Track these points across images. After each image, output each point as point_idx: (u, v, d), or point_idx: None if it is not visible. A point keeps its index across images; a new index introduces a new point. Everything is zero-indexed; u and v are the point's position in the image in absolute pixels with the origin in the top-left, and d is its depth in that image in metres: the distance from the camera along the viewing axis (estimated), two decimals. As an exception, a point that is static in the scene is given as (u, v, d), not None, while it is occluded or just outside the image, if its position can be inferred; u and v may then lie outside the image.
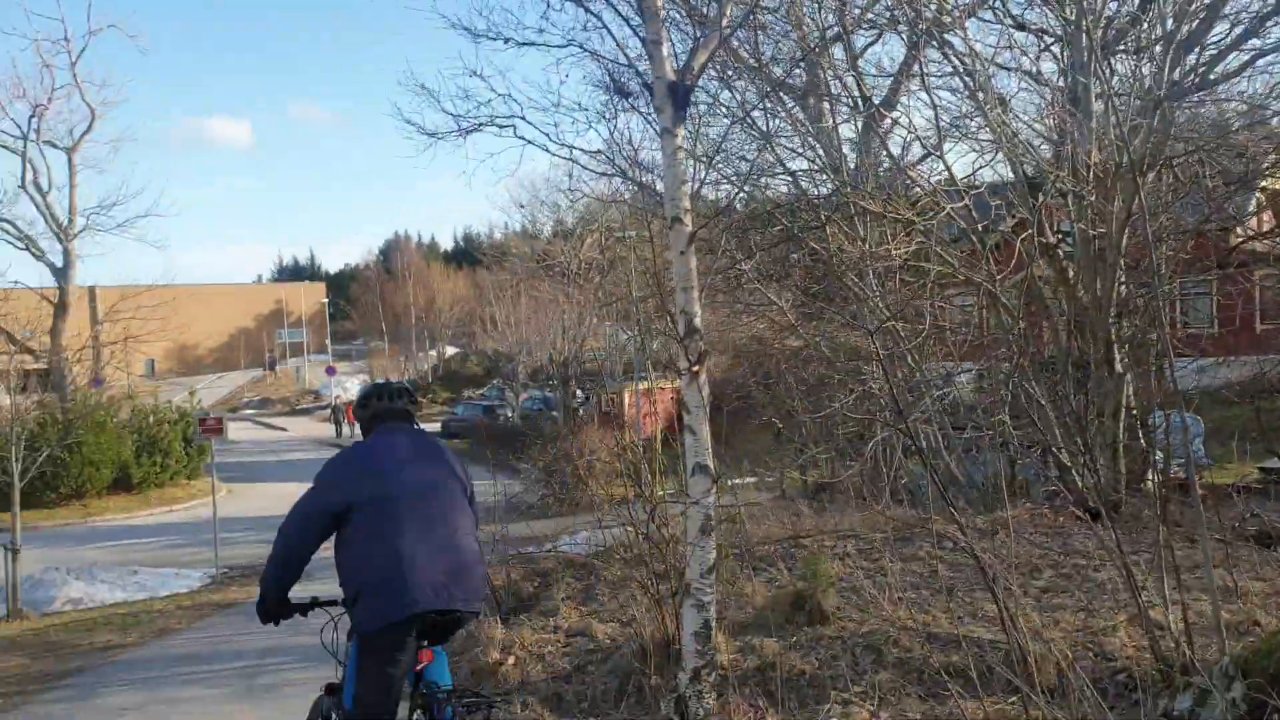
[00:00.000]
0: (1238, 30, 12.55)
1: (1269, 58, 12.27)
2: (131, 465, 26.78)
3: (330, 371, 56.25)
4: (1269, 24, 11.89)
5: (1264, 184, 14.92)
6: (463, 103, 8.41)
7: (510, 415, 40.97)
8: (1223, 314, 17.17)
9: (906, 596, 7.88)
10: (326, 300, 79.07)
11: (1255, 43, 12.68)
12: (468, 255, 72.29)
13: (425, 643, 4.10)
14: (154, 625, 12.36)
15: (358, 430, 4.80)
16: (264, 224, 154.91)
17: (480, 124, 7.73)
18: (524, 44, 6.98)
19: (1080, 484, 9.30)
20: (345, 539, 4.10)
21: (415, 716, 4.03)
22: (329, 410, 48.36)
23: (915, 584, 8.43)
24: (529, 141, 7.06)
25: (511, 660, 8.39)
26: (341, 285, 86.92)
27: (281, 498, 25.91)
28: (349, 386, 58.36)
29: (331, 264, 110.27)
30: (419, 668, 4.10)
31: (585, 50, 7.24)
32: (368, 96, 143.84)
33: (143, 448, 27.40)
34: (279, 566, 4.26)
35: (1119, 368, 10.77)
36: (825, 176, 13.08)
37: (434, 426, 44.56)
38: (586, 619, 9.17)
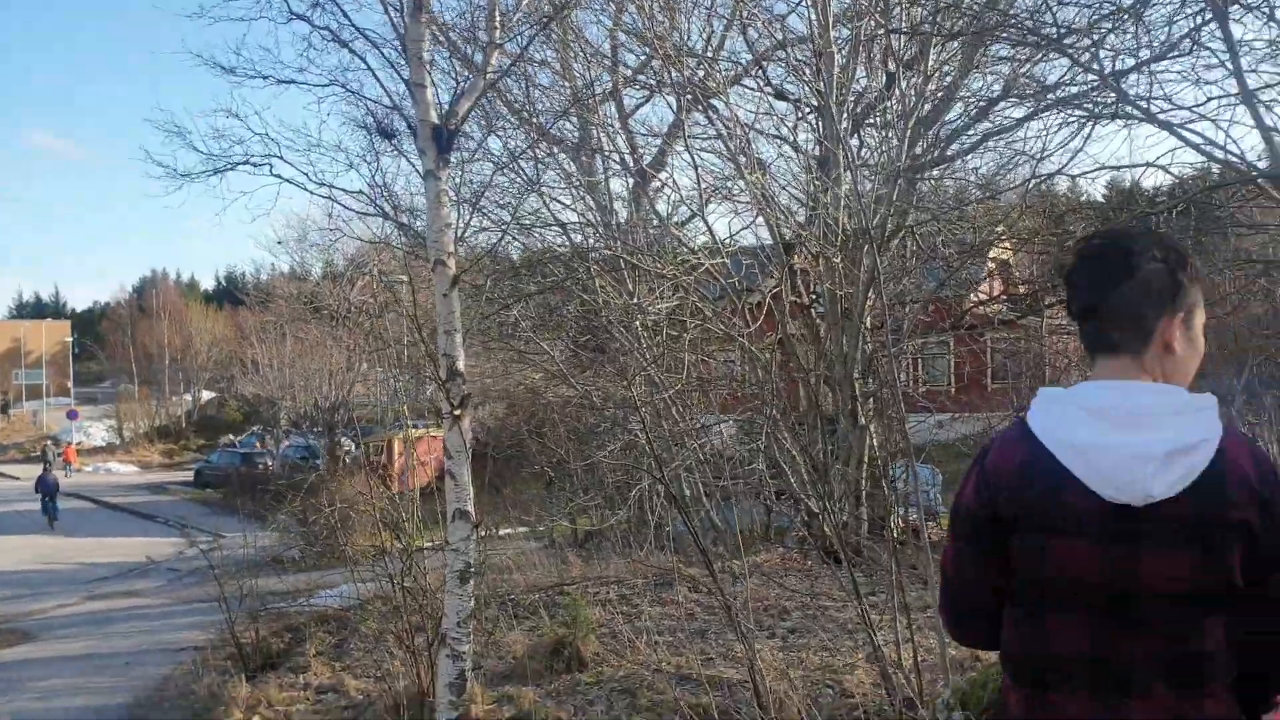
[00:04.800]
0: (972, 112, 13.73)
1: (997, 138, 13.46)
2: None
3: (72, 415, 52.20)
4: (997, 108, 13.06)
5: (993, 254, 16.27)
6: (216, 142, 8.12)
7: (270, 464, 39.13)
8: (958, 372, 18.55)
9: (663, 640, 8.03)
10: (71, 339, 73.62)
11: (987, 125, 13.92)
12: (230, 295, 69.05)
13: None
14: None
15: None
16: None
17: (235, 163, 7.48)
18: (284, 82, 6.84)
19: (825, 530, 9.75)
20: None
21: None
22: (41, 454, 45.14)
23: (672, 628, 8.60)
24: (285, 180, 6.90)
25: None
26: (89, 324, 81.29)
27: (7, 551, 23.57)
28: (92, 432, 54.36)
29: (79, 302, 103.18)
30: None
31: (349, 91, 7.17)
32: (119, 130, 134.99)
33: None
34: None
35: (863, 420, 11.42)
36: (595, 230, 13.36)
37: (187, 475, 42.08)
38: (339, 674, 8.87)
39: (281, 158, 6.91)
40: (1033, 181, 11.74)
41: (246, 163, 7.41)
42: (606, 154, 13.45)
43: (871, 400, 12.01)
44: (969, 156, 14.08)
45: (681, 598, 9.33)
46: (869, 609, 6.53)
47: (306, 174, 7.20)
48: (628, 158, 13.96)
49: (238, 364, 47.28)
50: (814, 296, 13.00)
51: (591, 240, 13.26)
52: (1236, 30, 11.09)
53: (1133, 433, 1.80)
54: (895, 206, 11.38)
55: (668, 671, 7.09)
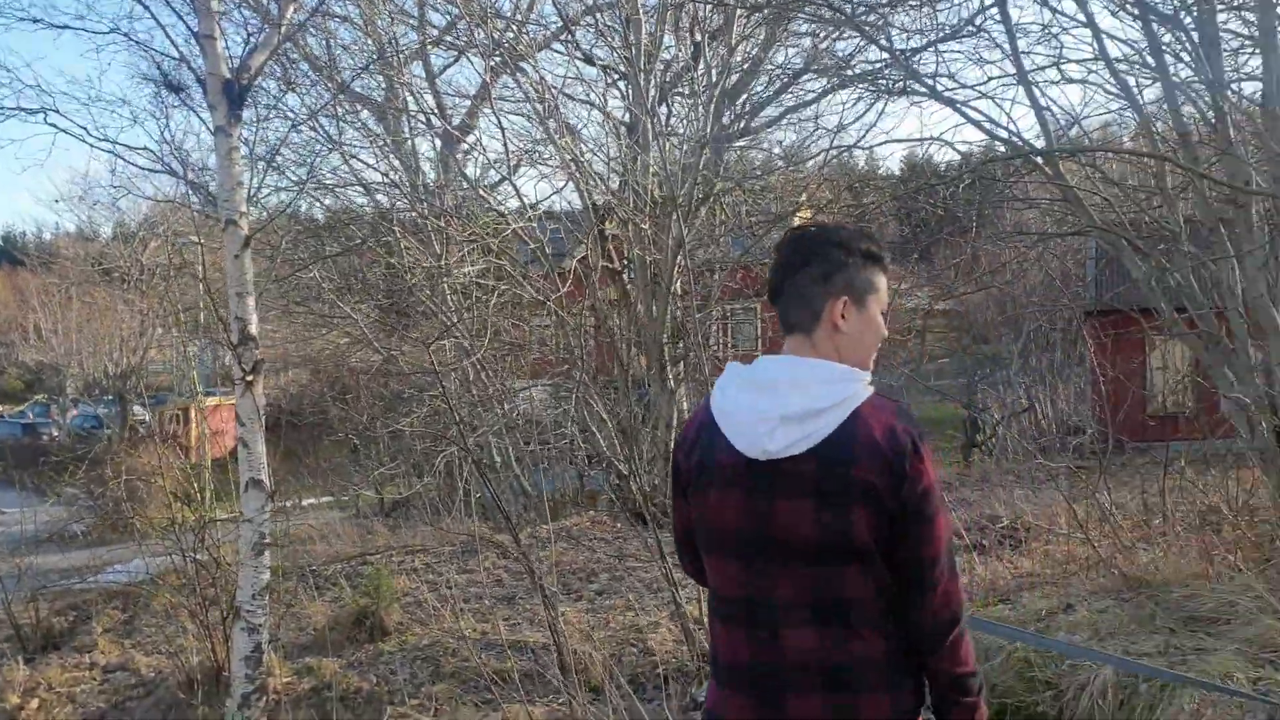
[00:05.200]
0: (775, 85, 14.09)
1: (798, 111, 13.88)
2: None
3: None
4: (798, 82, 13.46)
5: (795, 223, 16.80)
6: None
7: (55, 435, 36.74)
8: (764, 337, 19.09)
9: (468, 607, 8.01)
10: None
11: (790, 98, 14.32)
12: (8, 256, 64.07)
13: None
14: None
15: None
16: None
17: (6, 115, 6.92)
18: (58, 27, 6.36)
19: (633, 491, 9.91)
20: None
21: None
22: None
23: (480, 594, 8.58)
24: (61, 130, 6.42)
25: (35, 704, 7.57)
26: None
27: None
28: None
29: None
30: None
31: (132, 40, 6.75)
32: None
33: None
34: None
35: (671, 384, 11.63)
36: (401, 191, 13.05)
37: (-40, 448, 39.09)
38: (129, 652, 8.48)
39: (57, 110, 6.43)
40: (830, 153, 12.15)
41: (19, 110, 6.86)
42: (412, 114, 13.14)
43: (681, 364, 12.24)
44: (773, 129, 14.46)
45: (489, 564, 9.31)
46: (673, 568, 6.70)
47: (86, 128, 6.74)
48: (435, 119, 13.69)
49: (17, 329, 44.02)
50: (625, 262, 13.10)
51: (398, 201, 12.96)
52: (1015, 13, 11.70)
53: (764, 398, 2.00)
54: (702, 175, 11.57)
55: (472, 638, 7.07)
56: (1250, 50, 7.34)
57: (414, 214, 11.89)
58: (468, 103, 15.19)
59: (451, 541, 10.34)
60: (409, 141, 13.69)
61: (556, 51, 13.68)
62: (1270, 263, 6.27)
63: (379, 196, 13.31)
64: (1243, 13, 7.35)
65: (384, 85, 13.59)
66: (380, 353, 13.38)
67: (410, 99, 13.03)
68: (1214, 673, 4.08)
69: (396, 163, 13.57)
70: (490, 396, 11.14)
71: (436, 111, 13.69)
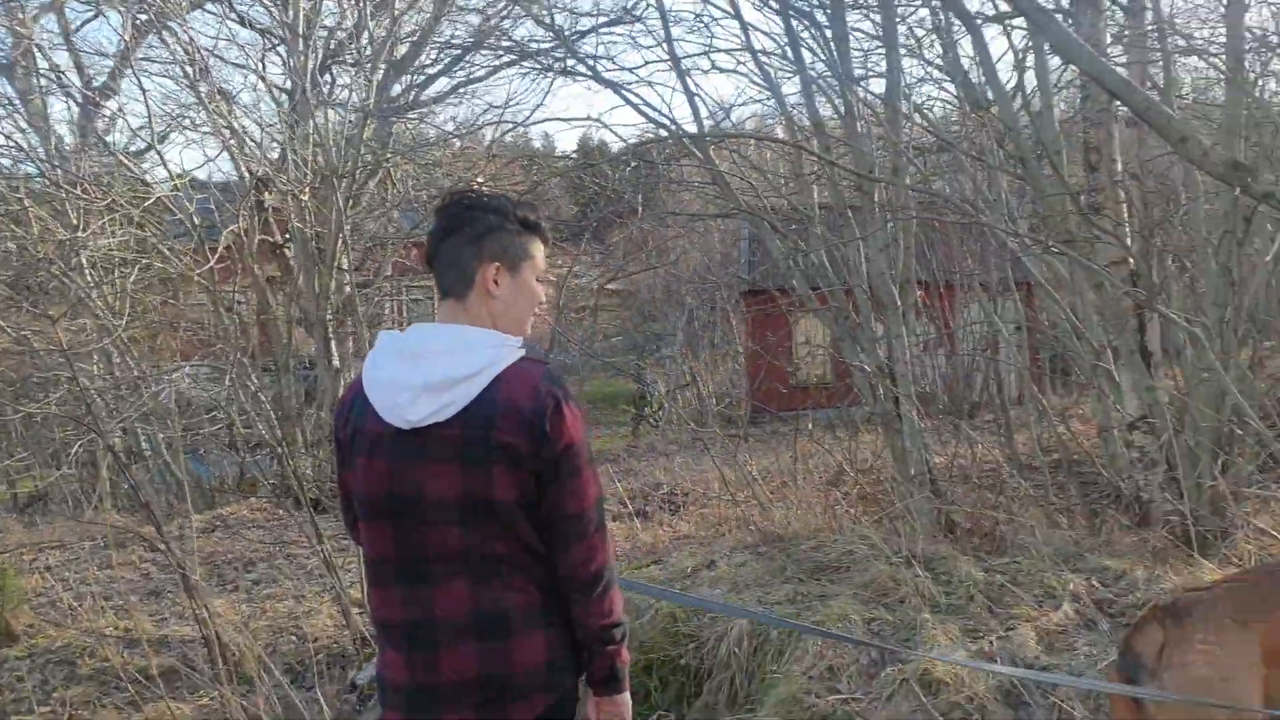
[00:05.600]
0: (445, 59, 13.97)
1: (469, 88, 13.83)
2: None
3: None
4: (468, 59, 13.40)
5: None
6: None
7: None
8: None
9: (110, 605, 7.45)
10: None
11: (461, 73, 14.23)
12: None
13: None
14: None
15: None
16: None
17: None
18: None
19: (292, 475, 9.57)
20: None
21: None
22: None
23: (125, 590, 8.00)
24: None
25: None
26: None
27: None
28: None
29: None
30: None
31: None
32: None
33: None
34: None
35: (336, 363, 11.30)
36: (30, 155, 11.82)
37: None
38: None
39: None
40: (500, 130, 12.22)
41: None
42: (43, 72, 11.93)
43: (350, 342, 11.90)
44: (443, 104, 14.34)
45: (135, 559, 8.70)
46: (332, 552, 6.53)
47: None
48: (72, 78, 12.50)
49: None
50: (286, 236, 12.55)
51: (26, 166, 11.73)
52: (669, 1, 12.20)
53: (410, 366, 2.03)
54: (368, 147, 11.27)
55: (113, 636, 6.59)
56: (879, 50, 8.09)
57: (44, 180, 10.81)
58: (110, 62, 13.99)
59: (92, 536, 9.55)
60: (39, 100, 12.41)
61: (210, 12, 12.87)
62: (890, 245, 6.95)
63: (2, 160, 11.97)
64: (871, 15, 8.09)
65: (9, 38, 12.27)
66: (8, 332, 12.10)
67: (39, 55, 11.81)
68: (834, 614, 4.50)
69: (24, 124, 12.27)
70: (135, 379, 10.36)
71: (73, 70, 12.50)
